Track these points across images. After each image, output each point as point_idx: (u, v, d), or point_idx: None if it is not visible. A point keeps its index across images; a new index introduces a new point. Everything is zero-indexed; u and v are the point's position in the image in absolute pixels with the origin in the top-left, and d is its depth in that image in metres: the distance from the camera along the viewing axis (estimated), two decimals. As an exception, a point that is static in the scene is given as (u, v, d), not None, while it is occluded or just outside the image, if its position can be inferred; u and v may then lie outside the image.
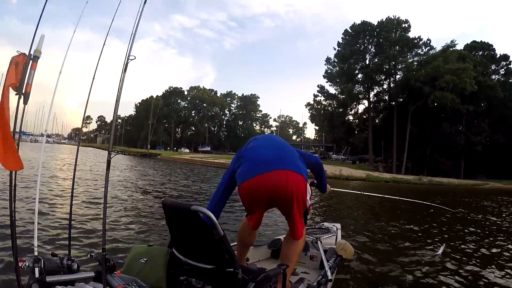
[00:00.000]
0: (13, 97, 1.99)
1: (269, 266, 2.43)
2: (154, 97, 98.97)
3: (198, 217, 2.01)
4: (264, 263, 3.66)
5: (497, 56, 57.60)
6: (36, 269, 2.03)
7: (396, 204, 14.52)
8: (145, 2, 2.53)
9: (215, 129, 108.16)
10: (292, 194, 2.45)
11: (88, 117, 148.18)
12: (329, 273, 3.06)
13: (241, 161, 2.63)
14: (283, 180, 2.43)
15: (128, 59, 2.31)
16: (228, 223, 7.49)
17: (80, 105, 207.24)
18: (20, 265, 2.04)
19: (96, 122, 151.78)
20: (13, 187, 2.06)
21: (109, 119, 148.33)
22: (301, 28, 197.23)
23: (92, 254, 2.60)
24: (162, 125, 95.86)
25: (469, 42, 58.50)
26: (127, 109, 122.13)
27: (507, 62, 57.37)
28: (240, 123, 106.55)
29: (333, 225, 4.63)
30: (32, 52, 2.08)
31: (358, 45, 54.22)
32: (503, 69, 57.93)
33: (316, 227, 4.58)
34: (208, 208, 2.43)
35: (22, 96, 2.02)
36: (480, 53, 57.29)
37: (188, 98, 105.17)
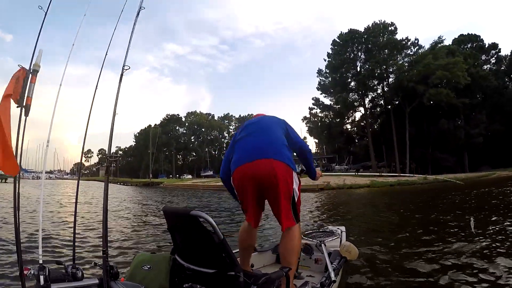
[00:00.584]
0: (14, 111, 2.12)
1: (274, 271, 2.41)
2: (152, 126, 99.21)
3: (197, 222, 2.04)
4: (269, 269, 3.65)
5: (486, 46, 58.07)
6: (41, 277, 2.06)
7: (403, 202, 14.50)
8: (138, 14, 2.74)
9: (216, 152, 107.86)
10: (277, 181, 2.55)
11: (89, 151, 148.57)
12: (332, 275, 3.04)
13: (233, 150, 2.87)
14: (268, 168, 2.56)
15: (123, 69, 2.49)
16: (228, 229, 7.70)
17: (80, 139, 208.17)
18: (25, 273, 2.07)
19: (97, 155, 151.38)
20: (17, 196, 2.13)
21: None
22: (291, 43, 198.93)
23: (96, 262, 2.74)
24: (163, 153, 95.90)
25: (456, 37, 58.92)
26: (127, 141, 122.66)
27: (497, 50, 57.96)
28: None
29: (338, 228, 4.56)
30: (31, 66, 2.25)
31: (347, 54, 54.57)
32: (493, 58, 58.41)
33: (321, 230, 4.53)
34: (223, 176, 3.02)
35: (24, 109, 2.17)
36: (469, 45, 57.78)
37: (186, 124, 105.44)
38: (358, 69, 54.48)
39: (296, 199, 2.72)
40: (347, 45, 54.19)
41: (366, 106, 56.97)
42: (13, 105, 2.12)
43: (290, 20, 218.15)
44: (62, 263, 2.49)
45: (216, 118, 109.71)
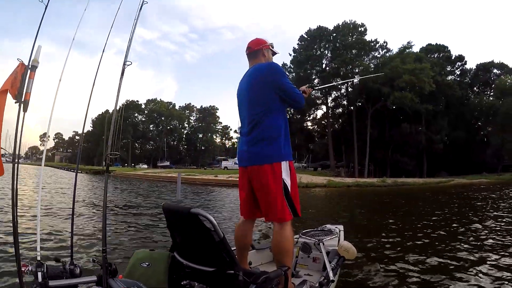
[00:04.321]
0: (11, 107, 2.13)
1: (272, 269, 2.33)
2: (110, 111, 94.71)
3: (197, 220, 2.04)
4: (267, 267, 3.67)
5: (453, 57, 59.70)
6: (39, 274, 2.04)
7: (393, 199, 15.62)
8: (141, 8, 2.85)
9: (175, 143, 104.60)
10: (263, 184, 2.62)
11: (45, 135, 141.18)
12: (331, 274, 2.95)
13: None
14: (255, 174, 2.68)
15: (124, 64, 2.55)
16: (228, 227, 7.76)
17: (38, 121, 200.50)
18: (23, 269, 2.04)
19: (54, 139, 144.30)
20: (15, 193, 2.08)
21: (66, 136, 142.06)
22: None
23: (94, 258, 2.63)
24: (119, 141, 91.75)
25: (424, 46, 59.66)
26: (85, 126, 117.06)
27: (463, 63, 60.05)
28: (200, 135, 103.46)
29: (336, 227, 4.46)
30: (30, 62, 2.19)
31: (314, 50, 53.13)
32: (458, 70, 60.55)
33: (319, 229, 4.46)
34: None
35: (22, 104, 2.14)
36: (436, 55, 58.83)
37: (146, 111, 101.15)
38: (324, 66, 53.35)
39: (289, 189, 2.64)
40: (314, 41, 52.91)
41: (329, 104, 56.45)
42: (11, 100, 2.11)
43: (262, 17, 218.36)
44: (60, 259, 2.49)
45: (177, 107, 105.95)
